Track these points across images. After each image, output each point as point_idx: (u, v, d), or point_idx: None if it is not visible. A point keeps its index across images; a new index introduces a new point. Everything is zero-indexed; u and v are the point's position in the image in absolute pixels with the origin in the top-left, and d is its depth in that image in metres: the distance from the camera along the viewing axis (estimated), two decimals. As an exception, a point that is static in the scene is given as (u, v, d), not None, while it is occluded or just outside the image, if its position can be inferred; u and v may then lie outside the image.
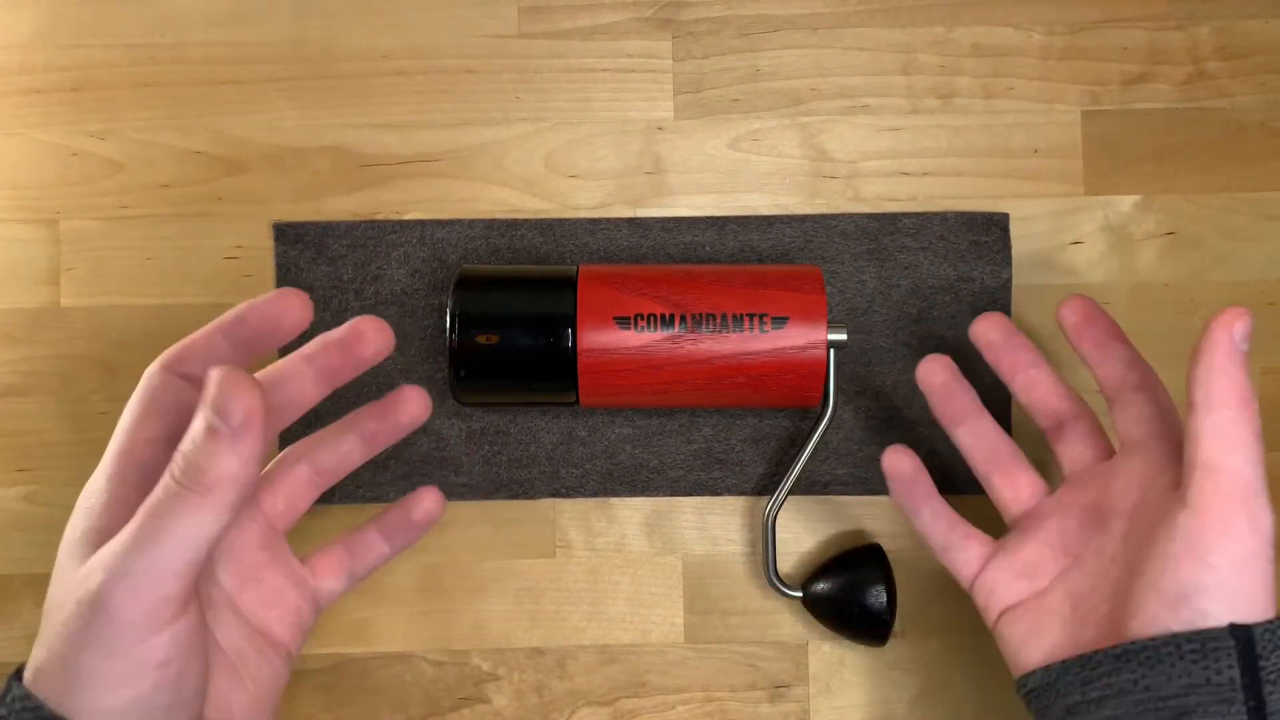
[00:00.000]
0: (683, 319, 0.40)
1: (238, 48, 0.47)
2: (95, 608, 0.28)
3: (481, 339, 0.40)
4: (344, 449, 0.39)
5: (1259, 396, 0.46)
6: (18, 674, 0.31)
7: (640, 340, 0.40)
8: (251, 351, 0.33)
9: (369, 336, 0.35)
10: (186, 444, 0.28)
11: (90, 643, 0.29)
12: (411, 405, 0.39)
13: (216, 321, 0.33)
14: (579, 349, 0.40)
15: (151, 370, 0.33)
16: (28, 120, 0.47)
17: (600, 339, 0.40)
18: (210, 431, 0.28)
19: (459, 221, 0.46)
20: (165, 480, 0.29)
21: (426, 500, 0.40)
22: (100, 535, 0.30)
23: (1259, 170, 0.47)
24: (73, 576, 0.30)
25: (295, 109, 0.47)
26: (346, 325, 0.35)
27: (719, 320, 0.40)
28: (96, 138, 0.47)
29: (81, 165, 0.47)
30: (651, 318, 0.40)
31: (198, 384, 0.30)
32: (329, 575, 0.39)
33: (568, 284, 0.40)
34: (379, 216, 0.47)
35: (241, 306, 0.33)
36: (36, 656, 0.30)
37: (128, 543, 0.28)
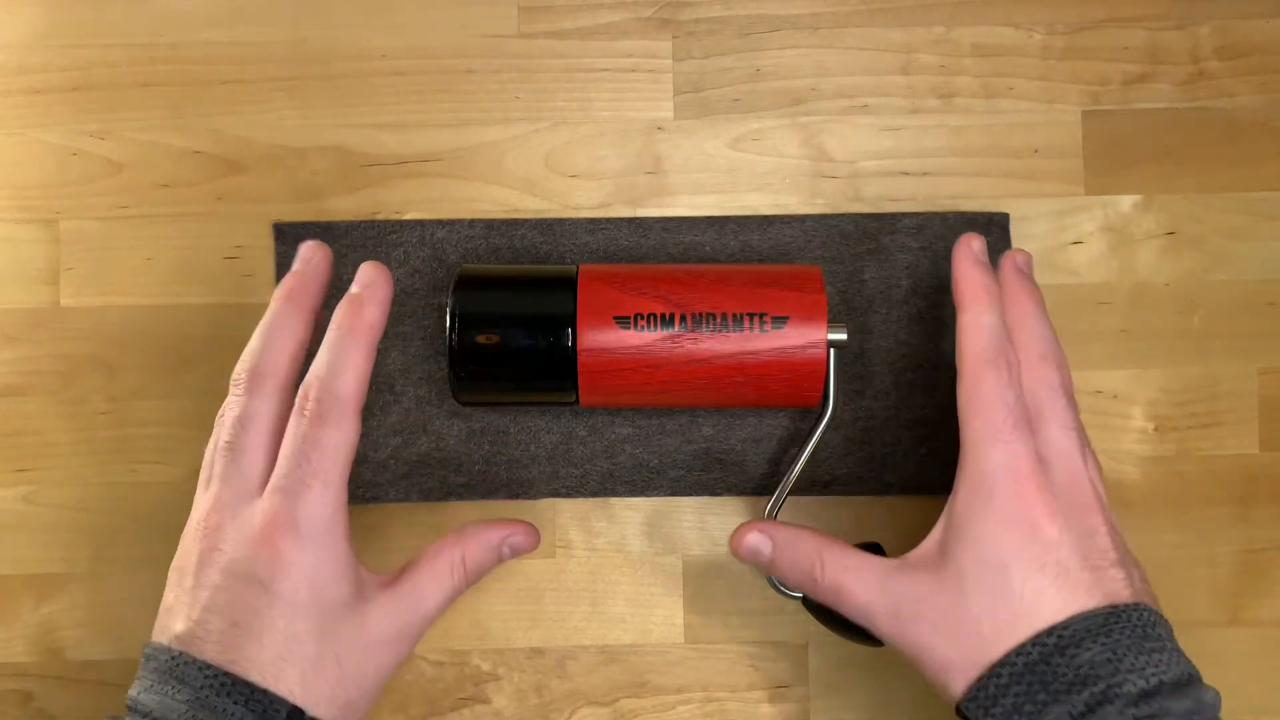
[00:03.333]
0: (683, 318, 0.40)
1: (238, 48, 0.47)
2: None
3: (481, 339, 0.40)
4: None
5: (1260, 397, 0.47)
6: (177, 659, 0.33)
7: (640, 340, 0.40)
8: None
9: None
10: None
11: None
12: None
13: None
14: (579, 348, 0.40)
15: None
16: (28, 120, 0.47)
17: (600, 338, 0.40)
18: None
19: (459, 221, 0.46)
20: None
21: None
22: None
23: (1259, 170, 0.47)
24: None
25: (295, 109, 0.47)
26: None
27: (719, 320, 0.40)
28: (96, 138, 0.47)
29: (81, 165, 0.47)
30: (651, 317, 0.40)
31: None
32: None
33: (567, 284, 0.40)
34: (379, 216, 0.47)
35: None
36: (183, 626, 0.33)
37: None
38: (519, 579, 0.46)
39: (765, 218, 0.46)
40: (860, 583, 0.36)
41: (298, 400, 0.36)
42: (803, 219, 0.46)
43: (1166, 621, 0.35)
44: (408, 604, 0.36)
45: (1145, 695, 0.31)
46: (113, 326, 0.47)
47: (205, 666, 0.32)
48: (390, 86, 0.47)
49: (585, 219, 0.47)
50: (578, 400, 0.41)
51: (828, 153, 0.47)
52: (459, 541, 0.38)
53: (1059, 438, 0.36)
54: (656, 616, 0.46)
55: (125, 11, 0.47)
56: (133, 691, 0.34)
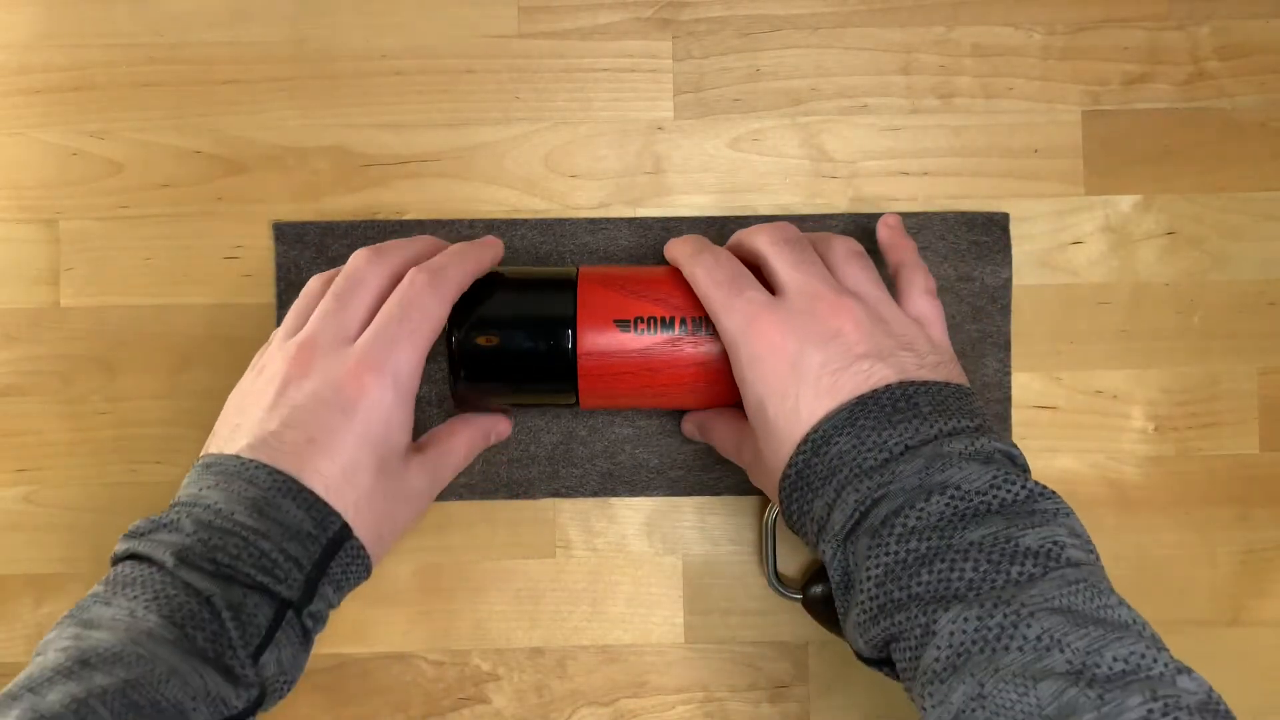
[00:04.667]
0: (683, 321, 0.40)
1: (238, 48, 0.47)
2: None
3: (481, 340, 0.40)
4: None
5: (1260, 397, 0.47)
6: (247, 464, 0.35)
7: (640, 343, 0.40)
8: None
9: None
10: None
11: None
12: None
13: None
14: (579, 352, 0.40)
15: None
16: (28, 120, 0.47)
17: (600, 342, 0.40)
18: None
19: (459, 221, 0.46)
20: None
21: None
22: None
23: (1259, 170, 0.47)
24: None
25: (295, 109, 0.47)
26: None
27: (719, 321, 0.40)
28: (96, 138, 0.47)
29: (81, 165, 0.47)
30: (652, 320, 0.40)
31: None
32: None
33: (568, 286, 0.40)
34: (379, 216, 0.47)
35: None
36: (255, 438, 0.36)
37: None
38: (519, 579, 0.46)
39: (765, 218, 0.46)
40: (725, 434, 0.42)
41: (406, 276, 0.39)
42: (803, 219, 0.46)
43: (943, 387, 0.35)
44: (435, 467, 0.41)
45: (883, 464, 0.33)
46: (113, 326, 0.47)
47: (275, 471, 0.35)
48: (390, 86, 0.47)
49: (585, 219, 0.47)
50: (577, 403, 0.41)
51: (828, 153, 0.47)
52: (462, 427, 0.43)
53: (786, 276, 0.38)
54: (656, 616, 0.46)
55: (126, 11, 0.47)
56: (187, 492, 0.35)
